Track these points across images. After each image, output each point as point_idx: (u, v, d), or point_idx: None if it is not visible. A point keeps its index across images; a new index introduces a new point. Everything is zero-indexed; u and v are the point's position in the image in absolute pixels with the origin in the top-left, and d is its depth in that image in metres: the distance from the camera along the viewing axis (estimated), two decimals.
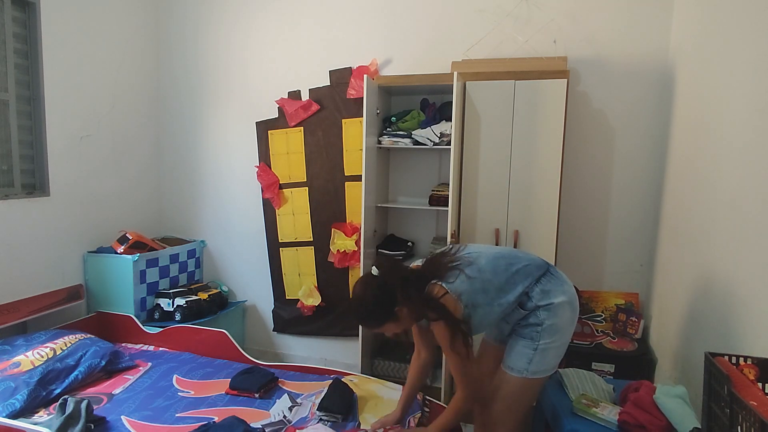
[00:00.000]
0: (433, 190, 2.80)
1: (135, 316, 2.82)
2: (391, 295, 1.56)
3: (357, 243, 3.04)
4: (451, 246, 1.75)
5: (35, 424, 1.83)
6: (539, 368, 1.60)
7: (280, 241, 3.29)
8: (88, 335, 2.48)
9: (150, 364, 2.46)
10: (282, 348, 3.42)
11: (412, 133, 2.77)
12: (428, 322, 1.63)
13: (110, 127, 3.08)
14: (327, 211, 3.16)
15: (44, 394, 2.04)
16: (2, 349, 2.22)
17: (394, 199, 3.11)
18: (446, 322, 1.52)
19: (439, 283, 1.58)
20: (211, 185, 3.45)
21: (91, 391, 2.18)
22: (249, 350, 2.97)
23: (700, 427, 1.36)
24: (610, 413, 1.64)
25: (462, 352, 1.54)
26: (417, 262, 1.84)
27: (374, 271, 1.60)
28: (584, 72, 2.65)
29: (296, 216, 3.24)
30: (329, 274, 3.19)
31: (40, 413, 1.97)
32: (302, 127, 3.15)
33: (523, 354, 1.61)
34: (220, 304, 3.18)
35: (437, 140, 2.70)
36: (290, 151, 3.20)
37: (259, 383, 2.16)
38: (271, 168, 3.26)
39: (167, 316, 2.94)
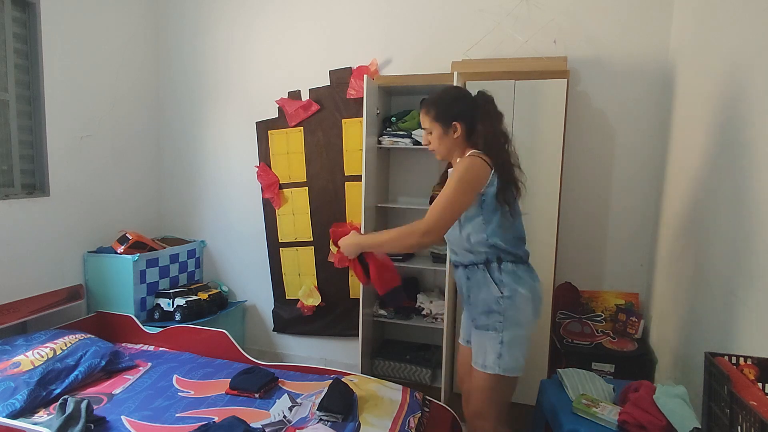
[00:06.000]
0: (433, 191, 2.80)
1: (135, 316, 2.82)
2: (472, 106, 1.61)
3: None
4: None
5: (35, 424, 1.83)
6: (509, 365, 1.59)
7: (280, 241, 3.29)
8: (88, 335, 2.48)
9: (150, 364, 2.46)
10: (282, 348, 3.42)
11: (412, 133, 2.77)
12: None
13: (110, 128, 3.08)
14: (327, 211, 3.16)
15: (44, 394, 2.03)
16: (2, 349, 2.22)
17: (394, 199, 3.11)
18: (475, 162, 1.53)
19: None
20: (211, 185, 3.45)
21: (91, 391, 2.17)
22: (249, 350, 2.97)
23: (700, 427, 1.36)
24: (610, 413, 1.64)
25: (458, 193, 1.51)
26: None
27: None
28: (584, 72, 2.65)
29: (296, 216, 3.24)
30: (329, 274, 3.19)
31: (40, 413, 1.97)
32: (302, 127, 3.15)
33: (491, 349, 1.61)
34: (220, 304, 3.18)
35: None
36: (290, 151, 3.20)
37: (259, 383, 2.16)
38: (271, 168, 3.26)
39: (167, 316, 2.94)
